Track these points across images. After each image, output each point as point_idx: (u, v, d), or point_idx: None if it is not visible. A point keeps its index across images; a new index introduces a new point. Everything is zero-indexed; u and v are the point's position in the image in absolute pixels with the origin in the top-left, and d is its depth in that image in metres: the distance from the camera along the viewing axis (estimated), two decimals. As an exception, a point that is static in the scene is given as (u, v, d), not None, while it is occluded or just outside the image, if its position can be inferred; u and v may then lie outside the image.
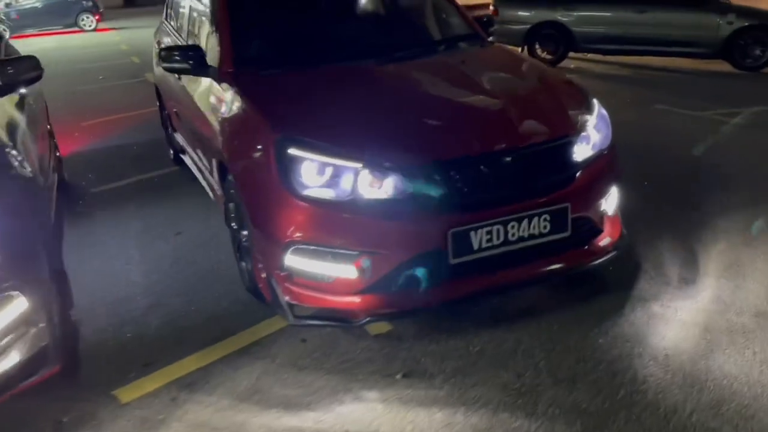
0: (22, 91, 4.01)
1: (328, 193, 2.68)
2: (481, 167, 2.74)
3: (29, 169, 3.05)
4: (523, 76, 3.58)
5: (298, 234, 2.69)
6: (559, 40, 10.24)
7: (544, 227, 2.83)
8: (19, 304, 2.43)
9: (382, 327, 3.05)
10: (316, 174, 2.70)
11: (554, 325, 3.01)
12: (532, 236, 2.82)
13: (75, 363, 2.90)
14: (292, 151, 2.72)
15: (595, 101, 3.27)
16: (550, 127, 2.98)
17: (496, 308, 3.15)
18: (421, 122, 2.92)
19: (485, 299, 3.11)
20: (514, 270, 2.88)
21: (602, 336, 2.90)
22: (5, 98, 3.51)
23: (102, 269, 3.81)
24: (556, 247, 2.93)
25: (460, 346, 2.89)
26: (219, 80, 3.45)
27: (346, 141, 2.76)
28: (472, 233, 2.70)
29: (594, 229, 3.06)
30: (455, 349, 2.87)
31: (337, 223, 2.69)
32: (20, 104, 3.84)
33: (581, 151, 3.01)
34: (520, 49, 10.72)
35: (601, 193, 3.06)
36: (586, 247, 3.06)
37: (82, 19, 19.88)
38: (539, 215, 2.81)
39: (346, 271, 2.68)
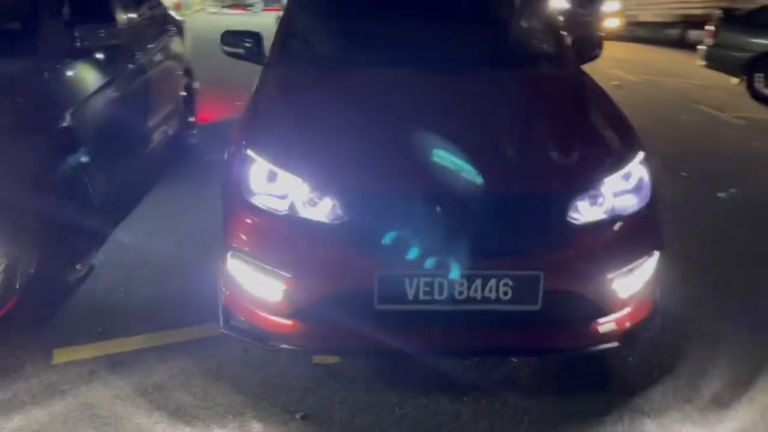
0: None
1: (269, 203, 2.49)
2: (434, 207, 2.34)
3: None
4: (567, 112, 2.99)
5: (237, 239, 2.55)
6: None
7: (504, 293, 2.35)
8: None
9: (331, 358, 2.80)
10: (266, 181, 2.52)
11: (508, 410, 2.50)
12: (486, 300, 2.35)
13: (50, 313, 3.09)
14: (249, 151, 2.58)
15: (638, 160, 2.62)
16: (540, 177, 2.45)
17: (466, 370, 2.72)
18: (398, 147, 2.57)
19: (433, 358, 2.68)
20: (462, 334, 2.44)
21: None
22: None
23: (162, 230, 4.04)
24: (523, 321, 2.42)
25: (388, 403, 2.54)
26: (263, 70, 3.42)
27: (299, 152, 2.53)
28: (407, 280, 2.33)
29: (587, 308, 2.47)
30: (381, 405, 2.53)
31: (270, 237, 2.49)
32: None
33: (584, 213, 2.43)
34: (737, 81, 9.26)
35: (606, 267, 2.45)
36: (571, 328, 2.49)
37: None
38: (498, 278, 2.33)
39: (274, 290, 2.48)
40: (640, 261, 2.53)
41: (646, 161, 2.65)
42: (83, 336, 2.94)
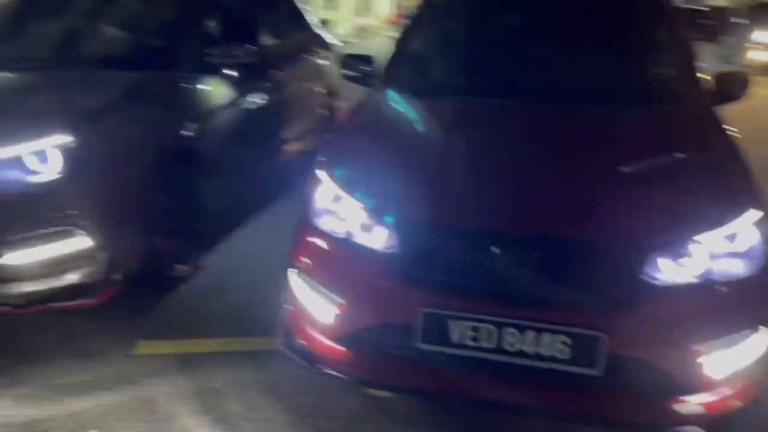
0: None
1: (330, 225, 2.48)
2: (489, 246, 2.16)
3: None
4: (671, 157, 2.62)
5: (299, 258, 2.56)
6: None
7: (561, 351, 2.11)
8: (82, 241, 2.94)
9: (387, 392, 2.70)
10: (331, 203, 2.51)
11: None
12: (539, 356, 2.12)
13: (147, 306, 3.32)
14: (319, 172, 2.59)
15: (749, 219, 2.23)
16: (614, 225, 2.17)
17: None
18: (469, 180, 2.43)
19: (475, 406, 2.49)
20: (512, 389, 2.22)
21: None
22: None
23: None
24: (581, 385, 2.15)
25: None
26: (366, 93, 3.44)
27: (366, 177, 2.49)
28: (451, 322, 2.17)
29: (662, 382, 2.13)
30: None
31: (327, 259, 2.47)
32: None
33: (666, 273, 2.11)
34: None
35: (691, 337, 2.10)
36: (641, 401, 2.16)
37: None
38: (553, 332, 2.10)
39: (327, 312, 2.45)
40: (740, 336, 2.16)
41: (764, 222, 2.26)
42: (168, 331, 3.12)
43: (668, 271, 2.12)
